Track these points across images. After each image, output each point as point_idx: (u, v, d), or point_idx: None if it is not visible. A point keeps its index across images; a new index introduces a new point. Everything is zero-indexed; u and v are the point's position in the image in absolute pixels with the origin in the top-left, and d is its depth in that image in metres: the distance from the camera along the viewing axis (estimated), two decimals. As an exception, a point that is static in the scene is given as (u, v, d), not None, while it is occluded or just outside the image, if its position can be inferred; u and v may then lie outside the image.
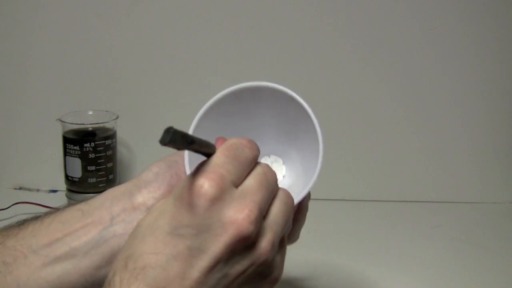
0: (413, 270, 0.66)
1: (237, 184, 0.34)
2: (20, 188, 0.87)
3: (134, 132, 0.84)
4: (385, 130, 0.86)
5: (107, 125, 0.79)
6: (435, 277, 0.64)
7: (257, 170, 0.36)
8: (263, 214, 0.34)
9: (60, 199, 0.81)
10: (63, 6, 0.84)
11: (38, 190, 0.87)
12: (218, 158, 0.34)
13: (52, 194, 0.86)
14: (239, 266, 0.33)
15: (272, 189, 0.36)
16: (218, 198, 0.32)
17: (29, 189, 0.87)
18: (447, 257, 0.69)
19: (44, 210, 0.78)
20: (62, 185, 0.82)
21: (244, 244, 0.32)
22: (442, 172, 0.87)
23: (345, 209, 0.85)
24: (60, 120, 0.77)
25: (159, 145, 0.31)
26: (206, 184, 0.32)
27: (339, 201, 0.88)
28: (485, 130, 0.85)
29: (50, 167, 0.88)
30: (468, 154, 0.86)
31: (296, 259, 0.69)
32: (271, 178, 0.36)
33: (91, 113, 0.80)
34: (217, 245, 0.32)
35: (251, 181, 0.35)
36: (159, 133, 0.48)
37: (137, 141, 0.78)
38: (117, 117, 0.79)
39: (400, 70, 0.83)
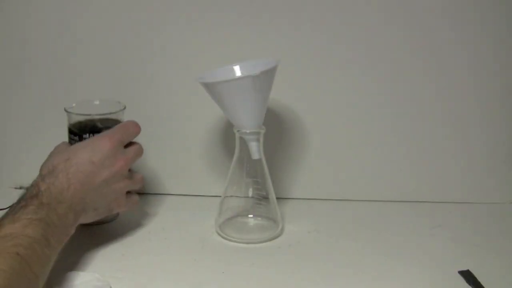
0: (413, 270, 0.66)
1: (124, 144, 0.68)
2: (21, 188, 0.87)
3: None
4: (385, 130, 0.86)
5: (114, 116, 0.75)
6: (435, 277, 0.64)
7: (136, 145, 0.70)
8: (132, 163, 0.69)
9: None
10: None
11: (38, 190, 0.87)
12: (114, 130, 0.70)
13: (52, 194, 0.86)
14: (115, 184, 0.66)
15: (139, 156, 0.71)
16: (115, 149, 0.66)
17: (29, 189, 0.87)
18: (447, 257, 0.69)
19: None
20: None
21: (121, 174, 0.66)
22: (442, 172, 0.87)
23: (345, 209, 0.85)
24: (66, 111, 0.74)
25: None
26: (108, 142, 0.66)
27: (339, 201, 0.88)
28: (485, 130, 0.85)
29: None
30: (468, 154, 0.86)
31: (296, 259, 0.70)
32: (140, 152, 0.71)
33: (97, 103, 0.77)
34: (111, 169, 0.65)
35: (131, 147, 0.69)
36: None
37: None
38: (125, 108, 0.75)
39: (401, 70, 0.83)
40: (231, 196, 0.75)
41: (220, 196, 0.76)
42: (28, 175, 0.90)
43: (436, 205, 0.86)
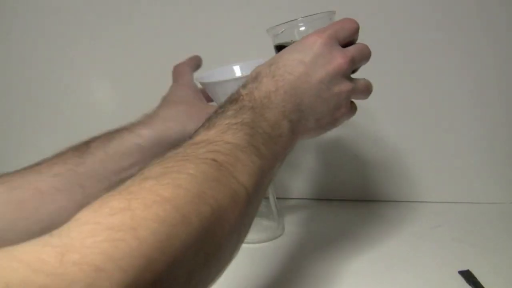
0: (413, 270, 0.66)
1: (341, 43, 0.53)
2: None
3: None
4: (385, 130, 0.86)
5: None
6: (435, 277, 0.64)
7: (359, 44, 0.55)
8: (354, 67, 0.54)
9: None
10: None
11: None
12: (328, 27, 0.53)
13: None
14: (336, 86, 0.52)
15: (364, 57, 0.55)
16: (328, 45, 0.52)
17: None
18: (447, 257, 0.69)
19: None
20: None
21: (341, 74, 0.52)
22: (442, 172, 0.87)
23: (345, 209, 0.85)
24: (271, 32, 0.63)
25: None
26: (318, 38, 0.52)
27: (339, 201, 0.88)
28: (485, 130, 0.85)
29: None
30: (468, 154, 0.86)
31: (296, 259, 0.70)
32: (366, 51, 0.55)
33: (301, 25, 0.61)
34: (327, 67, 0.51)
35: (352, 46, 0.54)
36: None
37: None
38: (334, 12, 0.61)
39: (400, 70, 0.83)
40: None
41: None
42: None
43: (436, 205, 0.86)
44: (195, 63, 0.70)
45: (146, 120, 0.61)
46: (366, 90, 0.56)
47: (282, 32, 0.59)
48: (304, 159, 0.87)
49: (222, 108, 0.47)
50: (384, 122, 0.85)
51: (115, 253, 0.28)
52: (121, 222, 0.30)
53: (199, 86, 0.69)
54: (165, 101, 0.65)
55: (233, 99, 0.48)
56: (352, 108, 0.56)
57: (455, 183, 0.87)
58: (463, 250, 0.71)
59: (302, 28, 0.57)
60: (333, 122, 0.55)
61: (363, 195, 0.87)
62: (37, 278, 0.25)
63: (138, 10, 0.83)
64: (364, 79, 0.56)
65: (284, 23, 0.58)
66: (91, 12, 0.83)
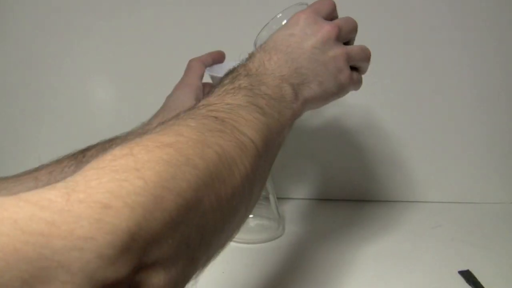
0: (413, 270, 0.66)
1: (325, 18, 0.54)
2: (20, 188, 0.87)
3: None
4: (385, 130, 0.86)
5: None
6: (435, 277, 0.64)
7: (344, 16, 0.56)
8: (341, 34, 0.54)
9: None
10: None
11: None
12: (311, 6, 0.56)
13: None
14: (330, 51, 0.53)
15: (351, 27, 0.56)
16: (312, 17, 0.53)
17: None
18: (447, 257, 0.69)
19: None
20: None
21: (332, 40, 0.53)
22: (442, 172, 0.87)
23: (345, 209, 0.85)
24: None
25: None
26: (301, 14, 0.54)
27: (338, 201, 0.88)
28: (485, 130, 0.85)
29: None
30: (468, 154, 0.86)
31: (296, 259, 0.70)
32: (352, 21, 0.56)
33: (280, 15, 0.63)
34: (317, 34, 0.52)
35: (337, 19, 0.56)
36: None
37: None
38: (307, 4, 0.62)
39: (399, 69, 0.83)
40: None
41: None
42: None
43: (436, 205, 0.86)
44: (213, 58, 0.67)
45: (142, 131, 0.58)
46: (363, 53, 0.56)
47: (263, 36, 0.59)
48: (304, 159, 0.87)
49: (219, 81, 0.48)
50: (384, 122, 0.85)
51: (121, 191, 0.28)
52: (125, 165, 0.31)
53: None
54: (166, 106, 0.62)
55: (228, 73, 0.49)
56: (354, 75, 0.56)
57: (455, 183, 0.87)
58: (463, 250, 0.71)
59: (276, 26, 0.58)
60: (339, 87, 0.54)
61: (363, 195, 0.87)
62: (45, 215, 0.26)
63: (138, 10, 0.83)
64: (357, 45, 0.57)
65: (259, 32, 0.59)
66: (91, 11, 0.83)
